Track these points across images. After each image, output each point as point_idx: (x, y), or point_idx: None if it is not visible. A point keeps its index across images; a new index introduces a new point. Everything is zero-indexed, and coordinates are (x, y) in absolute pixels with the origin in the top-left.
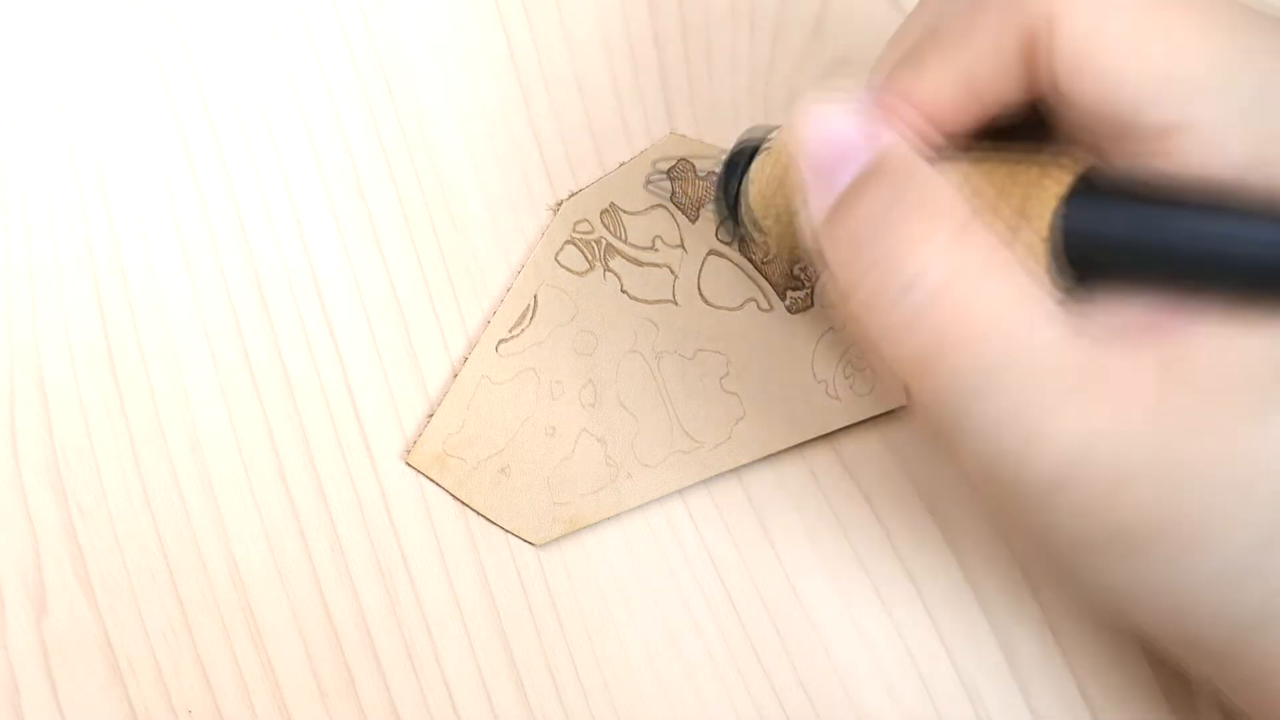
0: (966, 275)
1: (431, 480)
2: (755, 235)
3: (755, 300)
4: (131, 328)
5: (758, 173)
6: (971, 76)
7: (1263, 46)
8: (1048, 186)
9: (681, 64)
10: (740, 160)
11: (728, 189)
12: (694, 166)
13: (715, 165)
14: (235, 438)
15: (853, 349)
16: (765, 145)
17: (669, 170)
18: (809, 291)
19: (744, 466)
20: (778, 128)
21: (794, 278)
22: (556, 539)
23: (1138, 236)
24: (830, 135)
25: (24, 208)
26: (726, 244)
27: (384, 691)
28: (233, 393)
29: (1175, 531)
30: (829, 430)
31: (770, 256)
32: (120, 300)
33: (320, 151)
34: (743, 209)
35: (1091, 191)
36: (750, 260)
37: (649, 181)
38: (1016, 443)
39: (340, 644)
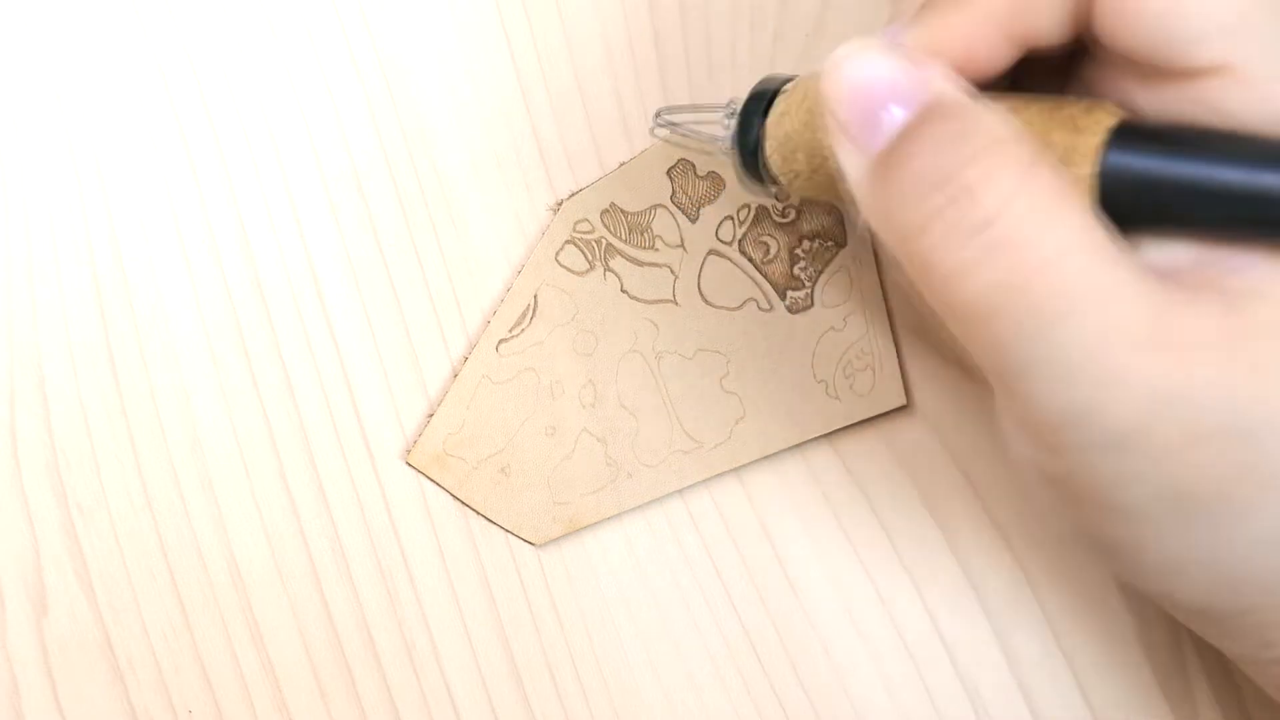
0: (1039, 213)
1: (431, 480)
2: (780, 181)
3: (755, 300)
4: (132, 327)
5: (779, 118)
6: (1026, 5)
7: None
8: (1089, 129)
9: (682, 63)
10: (760, 104)
11: (746, 133)
12: (694, 166)
13: (726, 117)
14: (235, 437)
15: (853, 348)
16: (783, 90)
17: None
18: (809, 291)
19: (744, 466)
20: (792, 77)
21: (794, 278)
22: (556, 539)
23: (1182, 180)
24: (871, 80)
25: (24, 208)
26: (749, 189)
27: (384, 691)
28: (233, 392)
29: (1238, 492)
30: (829, 430)
31: (794, 200)
32: (120, 300)
33: (320, 151)
34: (765, 155)
35: (1134, 136)
36: (751, 260)
37: (655, 127)
38: (1089, 390)
39: (340, 644)
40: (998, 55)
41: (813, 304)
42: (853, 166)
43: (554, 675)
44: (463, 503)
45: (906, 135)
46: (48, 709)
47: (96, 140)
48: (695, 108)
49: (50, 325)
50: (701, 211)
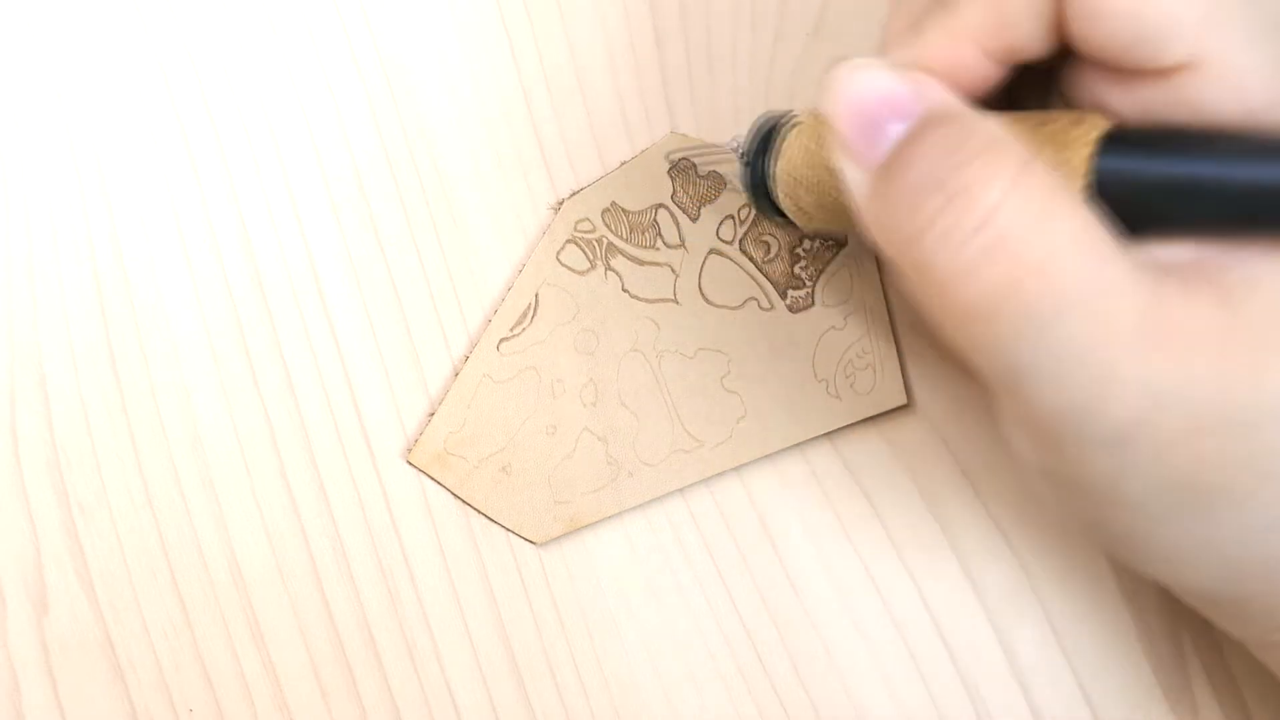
0: (1033, 213)
1: (433, 479)
2: (789, 212)
3: (756, 299)
4: (132, 326)
5: (778, 158)
6: (1003, 21)
7: None
8: (1075, 143)
9: (682, 62)
10: (767, 136)
11: (753, 175)
12: (694, 165)
13: (730, 151)
14: (236, 436)
15: (854, 348)
16: (788, 122)
17: (676, 163)
18: (809, 291)
19: (745, 465)
20: (789, 111)
21: (795, 277)
22: (557, 538)
23: (1168, 183)
24: (869, 94)
25: (25, 207)
26: (769, 219)
27: (385, 690)
28: (234, 391)
29: (1237, 482)
30: (830, 429)
31: (806, 231)
32: (121, 298)
33: (321, 150)
34: (773, 187)
35: (1119, 145)
36: (752, 259)
37: (672, 166)
38: (1086, 388)
39: (341, 643)
40: (983, 72)
41: (813, 303)
42: (855, 182)
43: (555, 674)
44: (464, 502)
45: (904, 144)
46: (48, 708)
47: (97, 138)
48: (703, 149)
49: (51, 323)
50: (702, 210)
